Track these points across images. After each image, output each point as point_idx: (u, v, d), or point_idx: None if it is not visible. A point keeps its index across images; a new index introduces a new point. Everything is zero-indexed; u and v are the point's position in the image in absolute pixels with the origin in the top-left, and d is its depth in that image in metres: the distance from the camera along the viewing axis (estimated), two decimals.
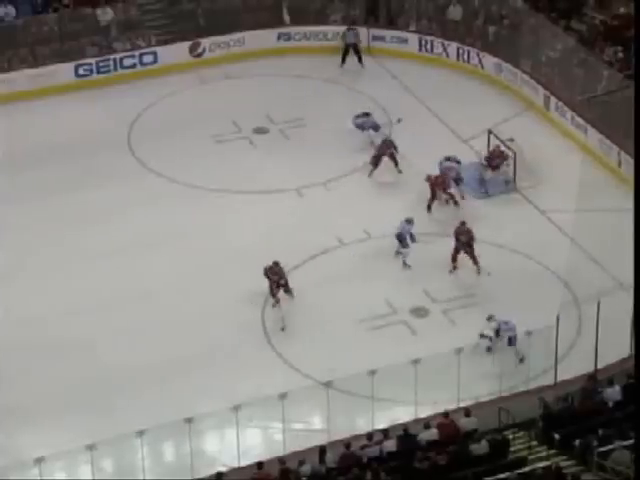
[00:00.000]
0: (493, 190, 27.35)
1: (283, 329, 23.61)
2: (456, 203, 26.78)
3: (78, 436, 20.08)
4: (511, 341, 21.95)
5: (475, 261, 24.89)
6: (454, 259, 24.94)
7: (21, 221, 26.57)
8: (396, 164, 27.83)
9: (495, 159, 27.47)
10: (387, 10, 33.55)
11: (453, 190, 26.94)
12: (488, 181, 27.35)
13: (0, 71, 31.20)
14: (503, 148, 27.64)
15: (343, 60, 32.58)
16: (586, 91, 28.22)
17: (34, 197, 27.23)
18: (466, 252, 24.87)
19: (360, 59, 32.54)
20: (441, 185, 26.74)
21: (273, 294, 23.97)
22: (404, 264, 25.10)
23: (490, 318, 22.30)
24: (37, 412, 21.59)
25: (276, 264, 24.01)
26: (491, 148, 27.73)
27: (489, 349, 22.09)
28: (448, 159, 27.20)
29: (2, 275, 24.98)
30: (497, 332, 22.07)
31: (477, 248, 25.07)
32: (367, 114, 28.97)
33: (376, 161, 27.75)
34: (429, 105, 30.72)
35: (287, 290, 24.13)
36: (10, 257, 25.48)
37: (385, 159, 27.73)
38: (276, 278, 23.92)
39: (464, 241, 24.85)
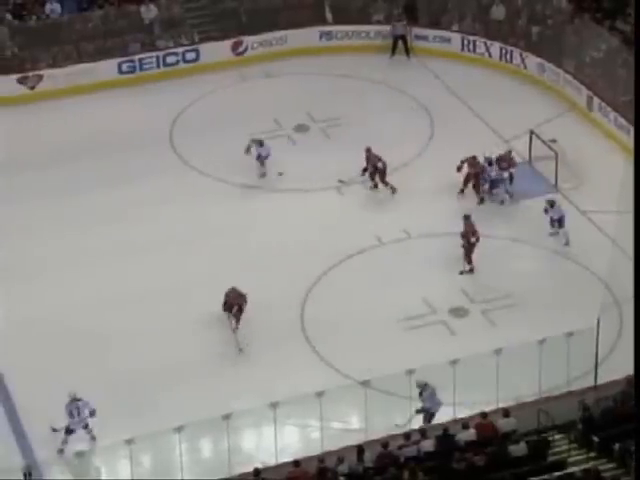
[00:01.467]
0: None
1: (241, 350, 23.10)
2: (480, 197, 26.75)
3: (117, 431, 20.20)
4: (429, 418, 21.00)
5: (469, 260, 24.77)
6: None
7: (59, 216, 26.74)
8: (381, 181, 27.07)
9: (502, 163, 27.33)
10: (428, 10, 33.45)
11: (497, 191, 26.96)
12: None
13: (45, 67, 31.49)
14: (513, 154, 27.50)
15: (393, 52, 32.64)
16: (629, 92, 27.94)
17: (73, 193, 27.37)
18: (463, 246, 24.81)
19: (407, 51, 32.61)
20: (473, 168, 26.69)
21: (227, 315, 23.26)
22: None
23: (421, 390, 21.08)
24: None
25: (231, 290, 23.18)
26: (502, 152, 27.53)
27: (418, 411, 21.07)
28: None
29: (40, 267, 25.16)
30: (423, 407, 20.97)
31: (518, 248, 24.96)
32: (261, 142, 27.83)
33: (372, 176, 27.16)
34: (471, 105, 30.62)
35: (236, 323, 23.12)
36: (43, 251, 25.63)
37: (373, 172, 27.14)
38: (231, 302, 23.13)
39: (462, 234, 24.85)
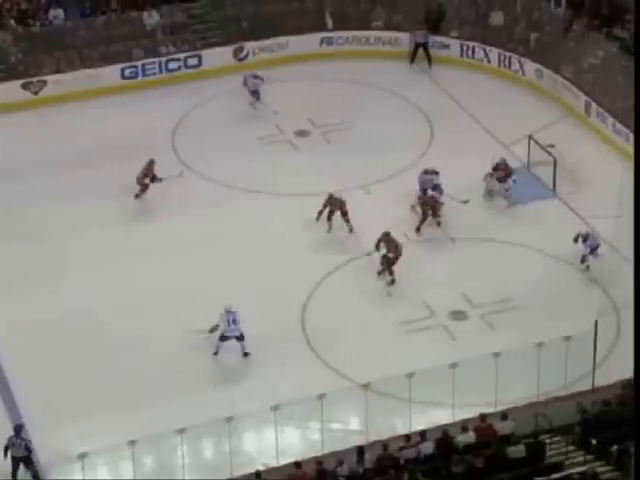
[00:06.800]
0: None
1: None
2: (439, 224, 26.45)
3: (120, 433, 20.38)
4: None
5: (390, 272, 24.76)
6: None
7: (62, 221, 26.90)
8: (347, 221, 26.37)
9: (499, 172, 27.47)
10: (437, 17, 33.55)
11: (434, 194, 26.75)
12: (497, 192, 27.40)
13: (48, 73, 31.71)
14: (509, 163, 27.52)
15: (412, 59, 32.79)
16: (627, 98, 28.17)
17: (76, 199, 27.58)
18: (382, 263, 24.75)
19: (429, 59, 32.68)
20: (430, 207, 26.43)
21: None
22: None
23: None
24: (81, 408, 21.93)
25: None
26: (498, 161, 27.58)
27: None
28: (426, 172, 27.07)
29: (52, 273, 25.33)
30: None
31: (517, 252, 25.42)
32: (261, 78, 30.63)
33: (329, 216, 26.38)
34: (470, 111, 30.86)
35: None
36: (54, 258, 25.80)
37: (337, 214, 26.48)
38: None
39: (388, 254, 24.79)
